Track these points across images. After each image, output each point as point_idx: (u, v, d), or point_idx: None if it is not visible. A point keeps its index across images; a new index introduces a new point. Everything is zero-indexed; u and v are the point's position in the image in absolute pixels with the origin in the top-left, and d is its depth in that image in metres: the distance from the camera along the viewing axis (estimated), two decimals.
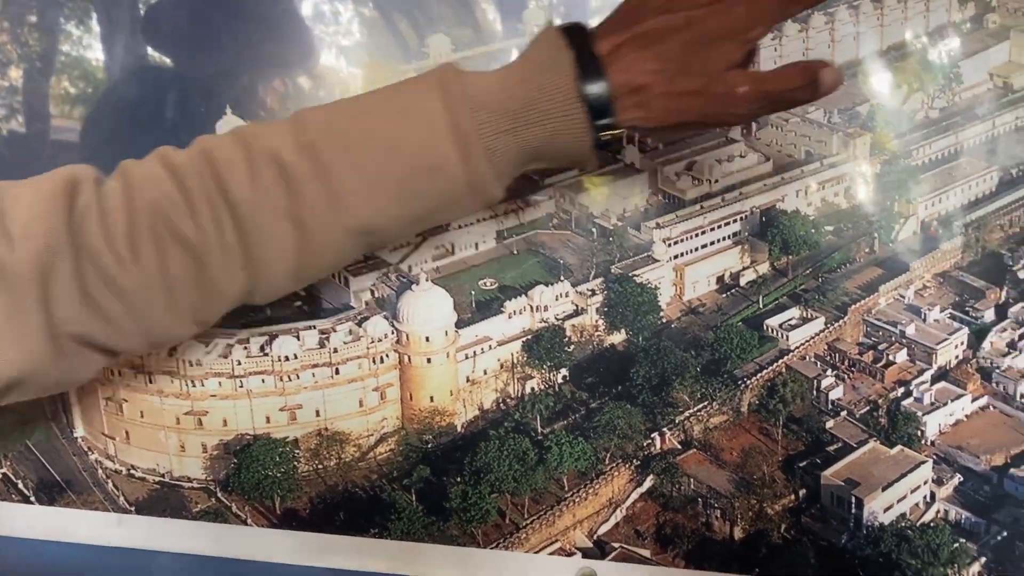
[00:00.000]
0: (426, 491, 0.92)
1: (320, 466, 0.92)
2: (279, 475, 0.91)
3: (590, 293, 0.93)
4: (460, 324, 0.92)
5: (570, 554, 0.93)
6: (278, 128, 0.60)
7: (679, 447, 0.93)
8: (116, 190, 0.57)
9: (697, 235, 0.93)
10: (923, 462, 0.92)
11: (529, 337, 0.93)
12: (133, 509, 0.93)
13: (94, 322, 0.55)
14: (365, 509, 0.92)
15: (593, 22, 0.62)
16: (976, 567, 0.92)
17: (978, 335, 0.92)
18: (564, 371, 0.93)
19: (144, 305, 0.56)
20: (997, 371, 0.92)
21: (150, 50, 0.93)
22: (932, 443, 0.92)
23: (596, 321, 0.93)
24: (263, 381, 0.90)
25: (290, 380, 0.90)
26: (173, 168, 0.57)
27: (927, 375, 0.92)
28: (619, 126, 0.60)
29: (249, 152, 0.57)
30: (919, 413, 0.92)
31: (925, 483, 0.92)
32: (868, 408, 0.92)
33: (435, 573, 0.92)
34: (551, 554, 0.92)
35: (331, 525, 0.92)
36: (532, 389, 0.93)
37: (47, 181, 0.57)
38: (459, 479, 0.91)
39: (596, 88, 0.59)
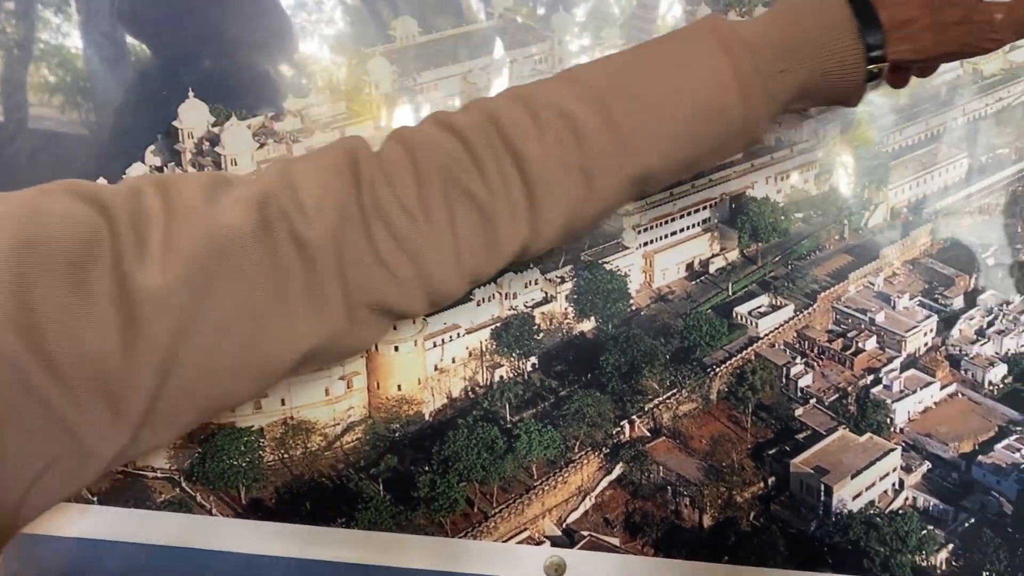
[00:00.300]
0: (393, 480, 0.91)
1: (286, 455, 0.91)
2: (244, 464, 0.90)
3: (559, 280, 0.92)
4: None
5: (539, 543, 0.92)
6: (554, 85, 0.61)
7: (648, 435, 0.93)
8: (398, 156, 0.57)
9: (667, 222, 0.93)
10: (892, 449, 0.92)
11: (498, 325, 0.92)
12: (95, 500, 0.92)
13: (386, 287, 0.56)
14: (331, 499, 0.91)
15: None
16: (944, 554, 0.93)
17: (947, 322, 0.93)
18: (533, 359, 0.92)
19: (433, 265, 0.57)
20: (966, 358, 0.93)
21: (129, 38, 0.92)
22: (901, 430, 0.93)
23: (565, 308, 0.92)
24: None
25: None
26: (455, 130, 0.58)
27: (896, 363, 0.93)
28: (887, 59, 0.64)
29: (532, 109, 0.59)
30: (888, 400, 0.92)
31: (894, 470, 0.93)
32: (837, 395, 0.93)
33: (403, 563, 0.91)
34: (520, 543, 0.92)
35: (297, 515, 0.91)
36: (501, 377, 0.92)
37: (327, 156, 0.58)
38: (427, 468, 0.91)
39: (869, 24, 0.63)
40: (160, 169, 0.91)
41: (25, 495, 0.48)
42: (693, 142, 0.62)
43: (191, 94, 0.88)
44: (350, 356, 0.60)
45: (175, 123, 0.89)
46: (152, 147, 0.90)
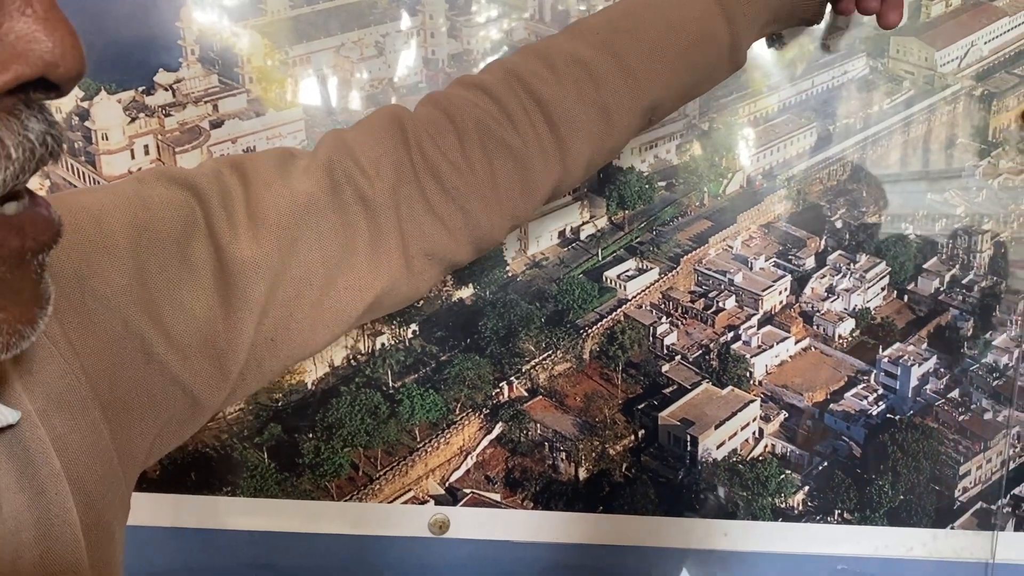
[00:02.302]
0: (278, 448, 0.93)
1: None
2: None
3: None
4: None
5: (423, 502, 0.95)
6: (562, 38, 0.67)
7: (526, 395, 0.96)
8: (436, 116, 0.62)
9: None
10: (752, 401, 0.98)
11: None
12: None
13: (439, 236, 0.61)
14: (216, 468, 0.92)
15: None
16: (800, 495, 1.00)
17: (800, 281, 0.98)
18: (414, 326, 0.95)
19: (479, 213, 0.62)
20: (817, 315, 0.98)
21: None
22: (760, 383, 0.98)
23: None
24: None
25: None
26: (482, 87, 0.63)
27: (754, 320, 0.97)
28: None
29: (548, 60, 0.64)
30: (747, 355, 0.98)
31: (754, 420, 0.98)
32: (700, 352, 0.97)
33: (289, 528, 0.93)
34: (404, 503, 0.95)
35: (182, 486, 0.92)
36: (382, 344, 0.95)
37: (374, 122, 0.62)
38: (311, 435, 0.93)
39: None
40: None
41: (151, 447, 0.52)
42: (690, 70, 0.69)
43: None
44: (408, 303, 0.66)
45: None
46: None
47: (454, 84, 0.66)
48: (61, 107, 0.87)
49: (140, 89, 0.88)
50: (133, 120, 0.89)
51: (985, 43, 0.97)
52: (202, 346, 0.52)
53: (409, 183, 0.60)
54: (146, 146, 0.89)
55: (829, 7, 0.81)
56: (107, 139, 0.88)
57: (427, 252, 0.62)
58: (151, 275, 0.51)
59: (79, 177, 0.90)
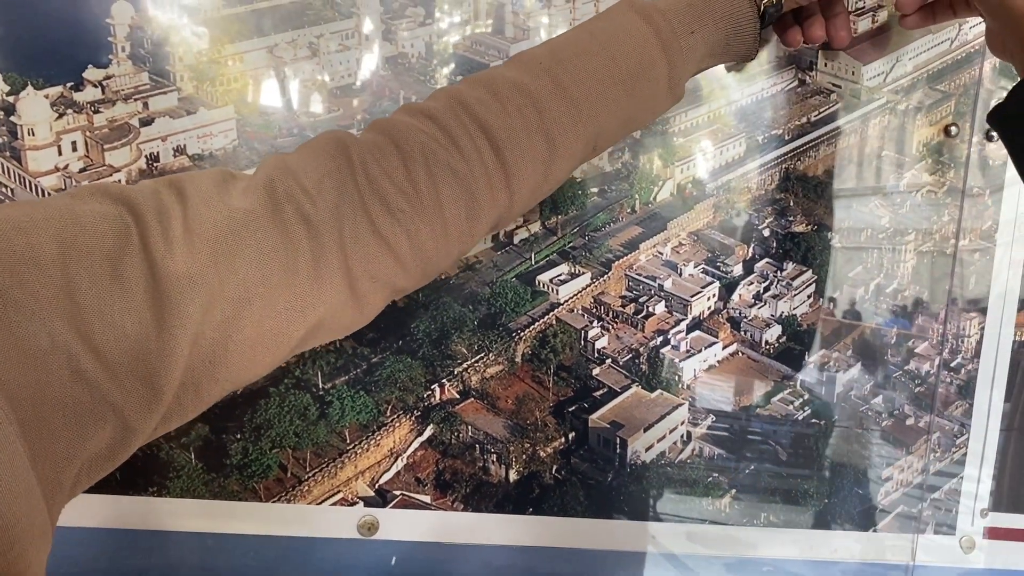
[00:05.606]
0: (205, 449, 0.92)
1: None
2: None
3: None
4: None
5: (352, 504, 0.95)
6: (506, 68, 0.69)
7: (458, 397, 0.97)
8: (381, 141, 0.62)
9: None
10: (680, 404, 1.00)
11: None
12: None
13: (384, 260, 0.61)
14: (143, 468, 0.91)
15: None
16: (727, 498, 1.01)
17: (728, 288, 0.99)
18: None
19: (426, 238, 0.62)
20: (745, 320, 1.00)
21: None
22: (688, 387, 1.00)
23: None
24: None
25: None
26: (427, 114, 0.64)
27: (683, 325, 0.99)
28: (779, 14, 0.77)
29: (492, 88, 0.66)
30: (676, 360, 0.99)
31: (682, 424, 1.00)
32: (630, 356, 0.99)
33: (215, 528, 0.92)
34: (333, 505, 0.95)
35: (108, 485, 0.91)
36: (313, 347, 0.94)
37: (316, 145, 0.63)
38: (239, 436, 0.92)
39: None
40: None
41: (78, 474, 0.50)
42: (631, 99, 0.70)
43: None
44: (350, 331, 0.65)
45: None
46: None
47: (398, 112, 0.67)
48: None
49: (68, 85, 0.87)
50: (61, 116, 0.87)
51: (909, 59, 1.00)
52: (133, 364, 0.51)
53: (353, 203, 0.60)
54: (74, 142, 0.88)
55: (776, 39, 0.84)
56: (33, 135, 0.87)
57: (372, 275, 0.61)
58: (80, 290, 0.49)
59: (4, 173, 0.89)
